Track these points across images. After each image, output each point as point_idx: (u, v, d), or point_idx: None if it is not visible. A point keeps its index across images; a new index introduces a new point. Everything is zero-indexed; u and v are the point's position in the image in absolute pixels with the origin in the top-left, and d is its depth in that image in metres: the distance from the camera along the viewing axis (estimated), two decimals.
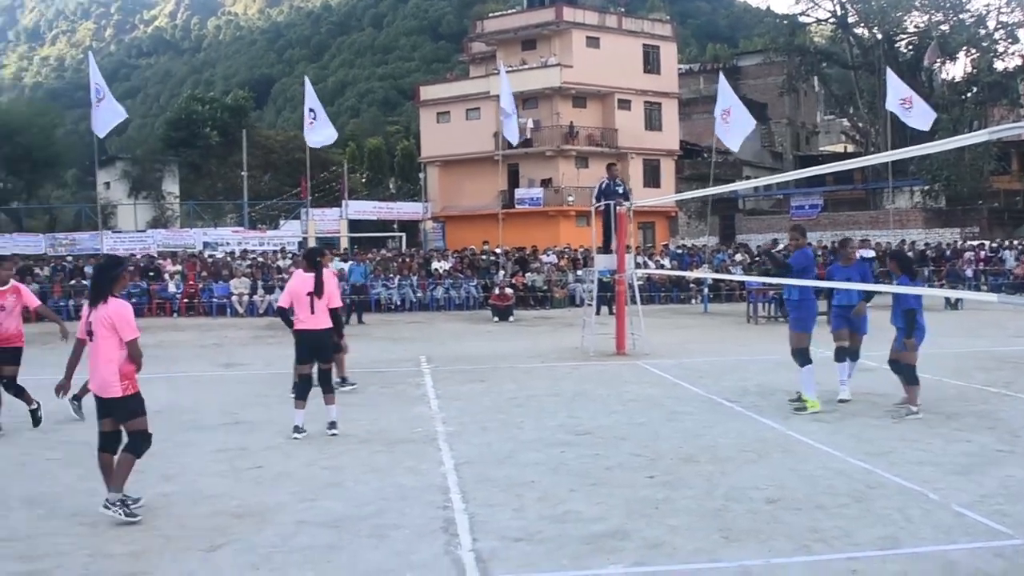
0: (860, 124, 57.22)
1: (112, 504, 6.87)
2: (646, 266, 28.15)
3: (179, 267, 30.81)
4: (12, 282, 10.42)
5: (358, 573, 5.85)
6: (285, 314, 10.50)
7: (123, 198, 55.51)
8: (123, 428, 7.15)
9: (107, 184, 56.89)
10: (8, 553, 6.32)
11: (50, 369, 11.25)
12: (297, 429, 9.80)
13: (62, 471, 8.62)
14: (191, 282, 29.32)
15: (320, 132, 32.00)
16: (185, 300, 28.65)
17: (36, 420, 10.42)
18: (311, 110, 31.81)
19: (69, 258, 33.62)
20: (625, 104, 49.74)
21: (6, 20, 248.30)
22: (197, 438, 9.93)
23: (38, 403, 10.46)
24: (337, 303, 10.25)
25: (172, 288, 29.08)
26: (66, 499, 7.62)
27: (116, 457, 7.14)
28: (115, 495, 6.92)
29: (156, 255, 34.98)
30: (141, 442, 7.14)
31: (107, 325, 7.02)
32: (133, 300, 27.87)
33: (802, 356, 10.86)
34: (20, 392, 10.32)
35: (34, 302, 10.49)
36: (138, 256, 34.06)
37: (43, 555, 6.27)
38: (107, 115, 24.98)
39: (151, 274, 29.82)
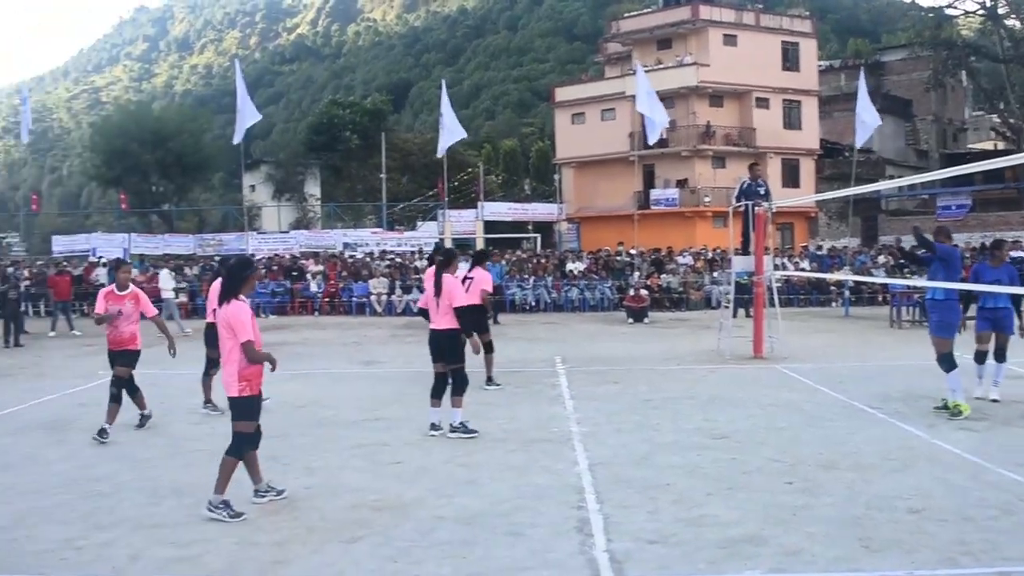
0: (1011, 120, 54.82)
1: (215, 506, 7.07)
2: (785, 268, 27.63)
3: (321, 267, 31.66)
4: (132, 287, 10.63)
5: (493, 569, 5.93)
6: (424, 314, 10.69)
7: (267, 200, 57.25)
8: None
9: (252, 187, 58.78)
10: (160, 539, 6.64)
11: (193, 365, 11.77)
12: (433, 427, 9.97)
13: (208, 461, 8.91)
14: (332, 281, 30.11)
15: (448, 136, 32.25)
16: (326, 299, 29.44)
17: (142, 423, 10.62)
18: (441, 114, 32.20)
19: (217, 258, 34.90)
20: (763, 102, 48.88)
21: (158, 31, 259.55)
22: (338, 433, 10.20)
23: (150, 412, 10.71)
24: (460, 302, 10.05)
25: (314, 287, 29.91)
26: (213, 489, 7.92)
27: (252, 453, 7.46)
28: (217, 497, 7.10)
29: (299, 255, 36.02)
30: (241, 443, 7.29)
31: (226, 325, 7.23)
32: (276, 299, 28.86)
33: (947, 361, 10.57)
34: (135, 393, 10.52)
35: (151, 311, 10.65)
36: (282, 256, 35.14)
37: (192, 542, 6.56)
38: (244, 119, 25.64)
39: (294, 274, 30.73)
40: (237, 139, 26.81)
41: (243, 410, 7.28)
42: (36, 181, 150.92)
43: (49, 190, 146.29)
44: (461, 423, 9.92)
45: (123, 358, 10.36)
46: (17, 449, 9.72)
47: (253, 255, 34.32)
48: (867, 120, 28.35)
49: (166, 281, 24.92)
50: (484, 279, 13.52)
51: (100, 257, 35.02)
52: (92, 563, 6.16)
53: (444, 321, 10.01)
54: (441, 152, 32.86)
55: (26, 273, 29.39)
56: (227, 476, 7.17)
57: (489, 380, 13.42)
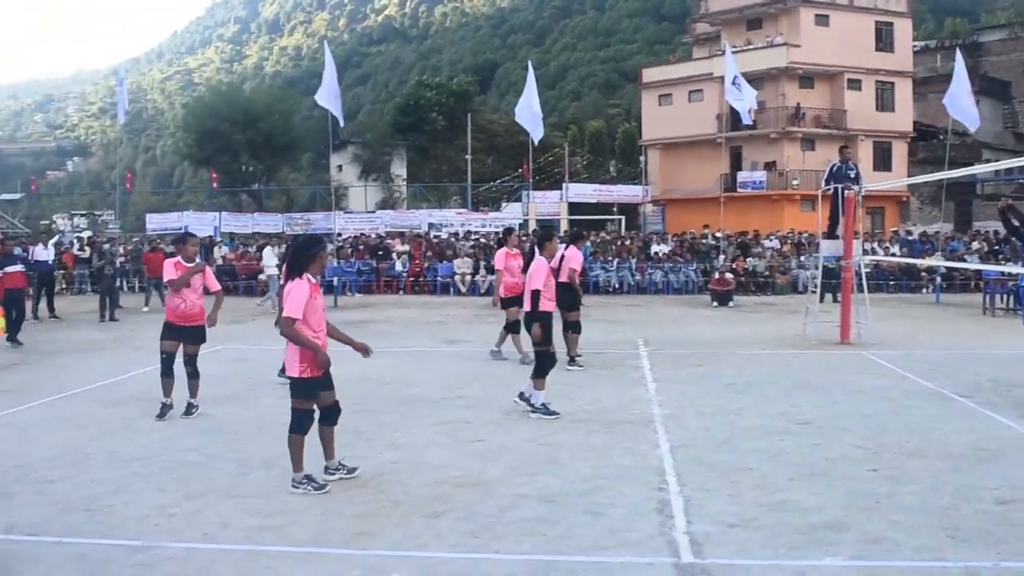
0: None
1: (298, 483, 7.22)
2: (874, 253, 27.12)
3: (406, 247, 31.98)
4: (197, 259, 10.66)
5: (574, 547, 5.98)
6: (512, 302, 10.82)
7: (354, 180, 57.90)
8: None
9: (339, 167, 59.51)
10: (249, 508, 6.84)
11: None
12: (520, 395, 10.28)
13: None
14: (417, 261, 30.40)
15: (534, 126, 32.09)
16: (411, 278, 29.73)
17: (188, 411, 10.26)
18: (524, 104, 32.05)
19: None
20: (855, 84, 47.89)
21: (249, 13, 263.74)
22: (422, 411, 10.34)
23: (197, 404, 10.37)
24: (534, 285, 10.14)
25: (399, 267, 30.23)
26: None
27: (326, 430, 7.52)
28: (298, 475, 7.25)
29: (384, 235, 36.42)
30: (300, 420, 7.30)
31: (283, 301, 7.31)
32: (363, 278, 29.26)
33: None
34: (193, 375, 10.34)
35: (215, 285, 10.60)
36: (368, 236, 35.57)
37: (279, 511, 6.75)
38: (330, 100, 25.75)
39: (380, 253, 31.11)
40: (341, 121, 26.86)
41: (300, 389, 7.27)
42: (131, 160, 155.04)
43: (143, 169, 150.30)
44: (543, 404, 9.97)
45: (193, 335, 10.26)
46: (114, 419, 10.05)
47: (340, 234, 34.80)
48: (966, 108, 27.11)
49: (270, 258, 25.36)
50: (574, 258, 13.68)
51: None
52: (184, 530, 6.37)
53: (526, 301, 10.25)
54: (536, 138, 32.73)
55: (121, 250, 30.24)
56: (296, 453, 7.28)
57: (572, 360, 13.48)
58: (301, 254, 7.38)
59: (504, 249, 14.54)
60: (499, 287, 14.37)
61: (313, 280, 7.32)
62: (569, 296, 13.46)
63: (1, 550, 6.03)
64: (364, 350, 7.53)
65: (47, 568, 5.74)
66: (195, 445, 8.81)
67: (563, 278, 12.96)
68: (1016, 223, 11.88)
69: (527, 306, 10.25)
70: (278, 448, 8.38)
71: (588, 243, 30.31)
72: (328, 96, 25.09)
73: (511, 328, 14.06)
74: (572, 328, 13.75)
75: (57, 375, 13.27)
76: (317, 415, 7.39)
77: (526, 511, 6.70)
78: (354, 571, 5.64)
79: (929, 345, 16.22)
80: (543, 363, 10.04)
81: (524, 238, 25.24)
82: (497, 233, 36.12)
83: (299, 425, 7.30)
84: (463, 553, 5.94)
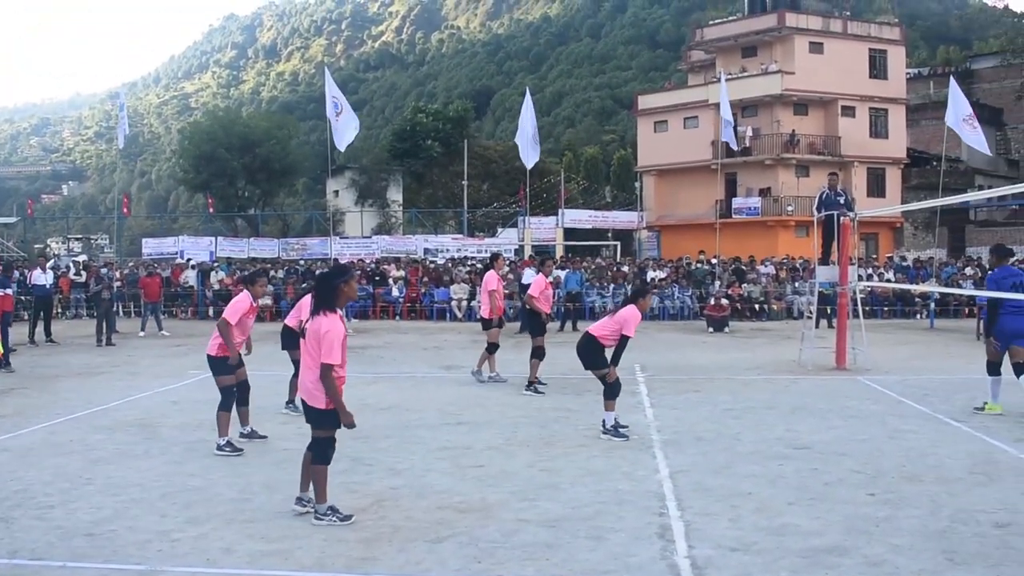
0: None
1: (322, 515, 7.04)
2: (869, 279, 27.22)
3: (402, 272, 32.04)
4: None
5: (576, 572, 6.01)
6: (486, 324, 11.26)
7: (350, 205, 58.00)
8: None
9: (336, 192, 59.66)
10: (252, 533, 6.85)
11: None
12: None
13: (297, 460, 9.11)
14: (413, 287, 30.42)
15: (528, 151, 32.30)
16: (407, 304, 29.75)
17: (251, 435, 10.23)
18: (523, 129, 32.29)
19: (301, 262, 35.56)
20: (849, 111, 48.23)
21: (246, 39, 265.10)
22: (422, 436, 10.37)
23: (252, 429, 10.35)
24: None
25: (395, 292, 30.26)
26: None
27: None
28: (322, 506, 7.08)
29: (380, 260, 36.49)
30: (326, 449, 7.11)
31: (315, 339, 6.90)
32: (359, 304, 29.27)
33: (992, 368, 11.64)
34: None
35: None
36: (365, 260, 35.63)
37: (283, 537, 6.76)
38: (345, 128, 25.95)
39: (376, 279, 31.14)
40: (342, 147, 26.98)
41: (327, 420, 7.02)
42: (126, 185, 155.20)
43: (138, 194, 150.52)
44: (612, 426, 10.25)
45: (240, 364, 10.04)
46: (111, 444, 10.06)
47: (336, 259, 34.87)
48: (970, 134, 27.21)
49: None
50: (535, 284, 14.62)
51: (188, 259, 35.87)
52: (187, 555, 6.38)
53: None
54: (529, 165, 32.94)
55: (117, 274, 30.27)
56: (323, 484, 7.09)
57: (529, 384, 13.75)
58: (326, 285, 7.13)
59: (493, 272, 15.02)
60: (488, 307, 14.76)
61: (340, 312, 7.12)
62: (533, 322, 14.03)
63: (5, 575, 6.05)
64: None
65: None
66: (196, 471, 8.83)
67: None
68: None
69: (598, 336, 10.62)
70: (280, 473, 8.44)
71: (582, 269, 30.42)
72: (342, 130, 25.35)
73: (492, 350, 14.71)
74: (535, 354, 13.85)
75: (55, 400, 13.27)
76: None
77: (528, 536, 6.73)
78: None
79: (924, 370, 16.29)
80: (609, 387, 10.38)
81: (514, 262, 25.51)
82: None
83: (326, 454, 7.09)
84: None
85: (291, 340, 12.04)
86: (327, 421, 7.04)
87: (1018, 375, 11.28)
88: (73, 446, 9.97)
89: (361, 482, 8.11)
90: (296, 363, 11.84)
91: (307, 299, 11.38)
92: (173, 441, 10.14)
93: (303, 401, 7.17)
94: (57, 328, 23.63)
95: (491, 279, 14.92)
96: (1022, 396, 11.32)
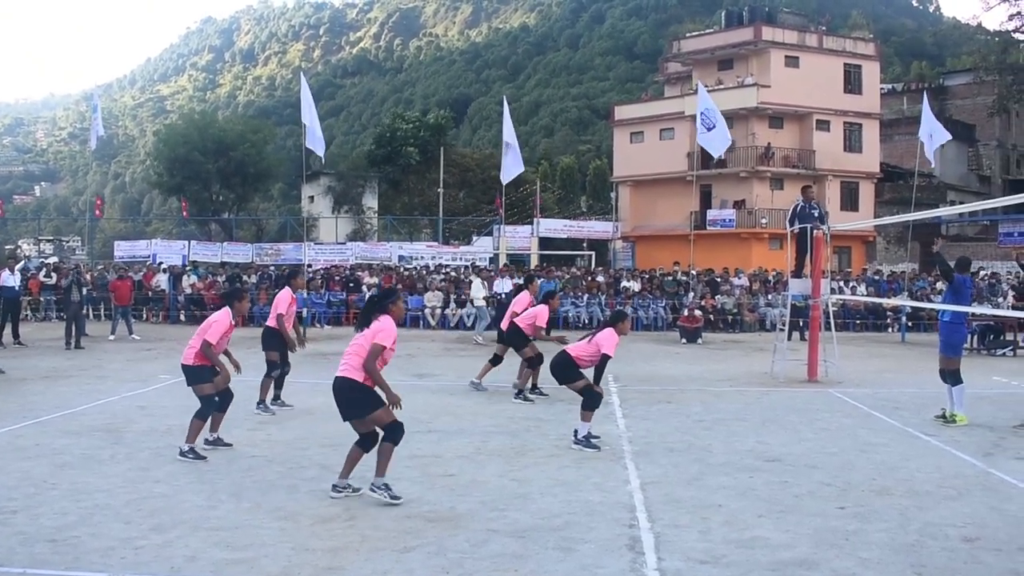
0: None
1: (377, 487, 7.82)
2: (841, 292, 27.36)
3: (376, 279, 31.89)
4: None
5: None
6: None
7: (325, 211, 57.74)
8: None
9: (311, 198, 59.34)
10: (217, 541, 6.76)
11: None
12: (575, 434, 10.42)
13: (265, 467, 9.15)
14: None
15: (511, 167, 32.35)
16: None
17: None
18: (507, 144, 32.33)
19: (273, 267, 35.35)
20: (824, 125, 48.49)
21: (223, 42, 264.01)
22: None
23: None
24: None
25: None
26: (270, 494, 8.10)
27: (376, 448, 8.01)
28: (379, 479, 7.85)
29: (354, 267, 36.32)
30: (396, 431, 8.01)
31: (371, 332, 7.98)
32: (332, 310, 29.14)
33: (953, 377, 12.00)
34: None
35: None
36: (339, 267, 35.47)
37: (248, 545, 6.69)
38: (314, 138, 25.82)
39: (350, 285, 31.01)
40: (320, 151, 26.79)
41: (377, 400, 7.99)
42: (99, 187, 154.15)
43: (112, 196, 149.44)
44: (584, 436, 10.21)
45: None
46: (78, 449, 9.92)
47: (310, 265, 34.72)
48: (935, 135, 27.95)
49: (478, 290, 26.84)
50: (516, 302, 15.20)
51: (161, 263, 35.58)
52: (151, 563, 6.29)
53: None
54: (505, 180, 32.98)
55: (88, 277, 29.98)
56: (385, 462, 7.90)
57: (519, 392, 13.86)
58: (380, 306, 8.18)
59: (526, 294, 15.44)
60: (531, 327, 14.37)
61: None
62: (518, 339, 14.12)
63: None
64: None
65: None
66: (162, 477, 8.73)
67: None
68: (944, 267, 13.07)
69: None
70: (247, 480, 8.36)
71: (556, 279, 30.43)
72: (312, 140, 25.26)
73: (496, 361, 14.85)
74: (530, 363, 13.87)
75: (21, 403, 13.09)
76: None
77: (497, 546, 6.69)
78: None
79: (895, 384, 16.37)
80: (588, 398, 10.29)
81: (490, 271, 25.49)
82: (467, 267, 36.24)
83: (396, 433, 8.05)
84: None
85: (271, 341, 12.01)
86: (376, 400, 8.06)
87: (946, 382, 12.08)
88: (39, 450, 9.83)
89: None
90: (271, 364, 11.87)
91: (281, 296, 11.66)
92: (140, 447, 10.02)
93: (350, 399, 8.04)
94: (25, 330, 23.37)
95: (527, 304, 14.98)
96: (994, 411, 11.39)
